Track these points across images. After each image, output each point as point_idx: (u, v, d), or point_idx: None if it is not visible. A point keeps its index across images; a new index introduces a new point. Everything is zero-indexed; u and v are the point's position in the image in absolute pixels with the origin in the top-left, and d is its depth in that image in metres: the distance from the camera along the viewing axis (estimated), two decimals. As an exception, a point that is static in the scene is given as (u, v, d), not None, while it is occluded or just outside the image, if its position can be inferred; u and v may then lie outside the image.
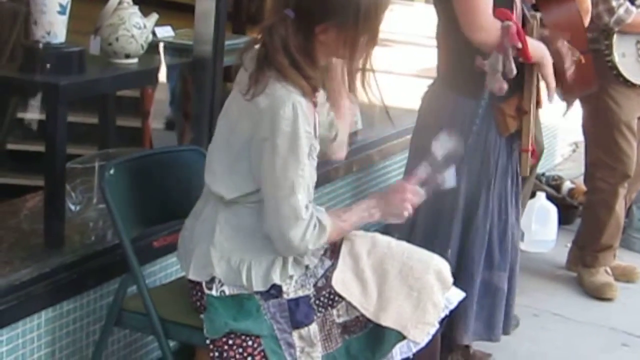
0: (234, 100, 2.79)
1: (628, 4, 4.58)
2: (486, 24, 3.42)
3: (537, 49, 3.54)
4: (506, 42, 3.38)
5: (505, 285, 3.81)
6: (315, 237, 2.72)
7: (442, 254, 3.13)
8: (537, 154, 3.86)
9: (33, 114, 4.22)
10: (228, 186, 2.78)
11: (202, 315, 2.82)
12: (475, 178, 3.66)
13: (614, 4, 4.55)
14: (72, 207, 3.61)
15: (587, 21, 4.21)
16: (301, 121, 2.63)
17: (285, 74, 2.65)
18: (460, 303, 3.05)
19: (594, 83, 4.17)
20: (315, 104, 2.78)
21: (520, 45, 3.41)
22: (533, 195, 5.36)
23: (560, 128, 7.06)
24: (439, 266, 2.93)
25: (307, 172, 2.68)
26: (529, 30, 3.55)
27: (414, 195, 2.90)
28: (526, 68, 3.57)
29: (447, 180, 2.96)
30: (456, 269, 3.58)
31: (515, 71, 3.41)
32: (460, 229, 3.69)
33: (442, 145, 3.01)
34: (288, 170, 2.65)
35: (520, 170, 3.77)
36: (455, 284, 3.04)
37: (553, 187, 6.03)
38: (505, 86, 3.45)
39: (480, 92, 3.51)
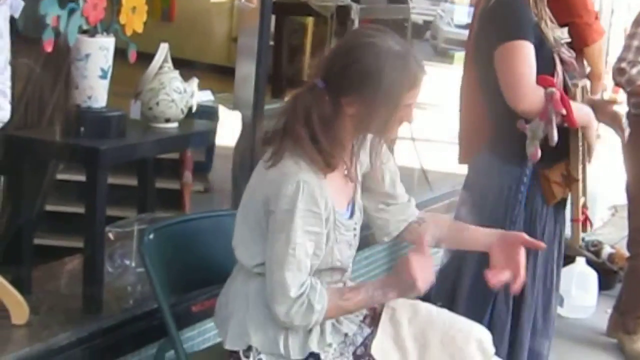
0: (256, 167, 2.78)
1: None
2: (530, 93, 3.35)
3: (582, 113, 3.46)
4: (550, 109, 3.31)
5: (546, 351, 3.75)
6: (302, 316, 2.63)
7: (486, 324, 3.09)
8: (590, 223, 3.74)
9: (73, 175, 4.24)
10: (249, 255, 2.75)
11: (239, 383, 2.80)
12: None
13: (623, 65, 4.56)
14: (111, 271, 3.60)
15: (598, 88, 4.10)
16: (301, 200, 2.59)
17: (301, 146, 2.63)
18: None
19: None
20: (348, 176, 2.77)
21: (564, 111, 3.35)
22: (572, 260, 5.31)
23: (599, 192, 7.00)
24: (480, 336, 2.88)
25: (301, 251, 2.61)
26: (571, 98, 3.47)
27: (422, 264, 2.66)
28: (571, 134, 3.49)
29: None
30: (510, 339, 3.54)
31: (556, 139, 3.33)
32: (508, 298, 3.57)
33: None
34: (278, 246, 2.61)
35: (572, 239, 3.69)
36: (509, 353, 2.98)
37: (593, 252, 5.98)
38: (539, 153, 3.38)
39: (525, 159, 3.46)
